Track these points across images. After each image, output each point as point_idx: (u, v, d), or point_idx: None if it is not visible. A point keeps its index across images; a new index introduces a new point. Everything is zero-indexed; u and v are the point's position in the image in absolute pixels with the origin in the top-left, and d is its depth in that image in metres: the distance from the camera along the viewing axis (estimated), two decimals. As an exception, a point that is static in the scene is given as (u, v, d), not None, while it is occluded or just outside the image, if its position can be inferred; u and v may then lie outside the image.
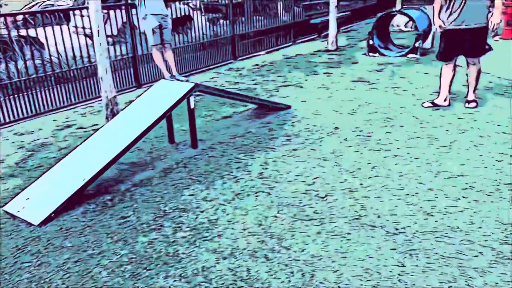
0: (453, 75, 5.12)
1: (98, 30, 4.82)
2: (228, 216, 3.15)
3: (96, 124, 5.18)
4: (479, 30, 4.78)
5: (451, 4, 4.79)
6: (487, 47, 4.89)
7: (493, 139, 4.21)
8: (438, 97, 5.25)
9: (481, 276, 2.43)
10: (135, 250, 2.81)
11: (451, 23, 4.84)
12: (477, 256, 2.59)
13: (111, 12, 7.18)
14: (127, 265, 2.67)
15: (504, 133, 4.34)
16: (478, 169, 3.64)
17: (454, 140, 4.21)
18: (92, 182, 3.46)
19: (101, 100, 5.36)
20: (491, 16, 4.82)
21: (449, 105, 5.19)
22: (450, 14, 4.82)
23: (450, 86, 5.16)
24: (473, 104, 5.09)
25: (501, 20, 4.79)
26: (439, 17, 4.95)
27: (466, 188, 3.34)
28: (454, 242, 2.73)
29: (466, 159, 3.82)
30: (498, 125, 4.53)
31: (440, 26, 4.94)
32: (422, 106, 5.24)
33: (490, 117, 4.77)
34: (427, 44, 8.23)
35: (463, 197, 3.23)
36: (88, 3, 4.99)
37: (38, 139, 4.96)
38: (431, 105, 5.23)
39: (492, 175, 3.52)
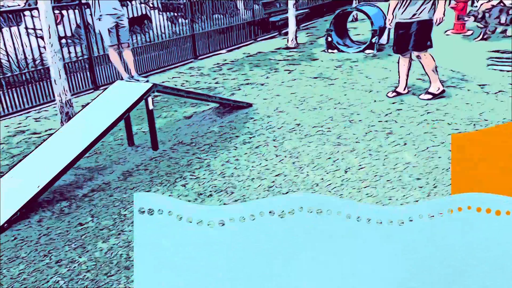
0: (409, 66, 5.41)
1: (49, 31, 4.65)
2: (190, 217, 3.12)
3: (51, 129, 5.00)
4: (422, 23, 5.00)
5: (405, 2, 4.99)
6: (428, 43, 5.11)
7: (445, 130, 4.38)
8: (398, 86, 5.54)
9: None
10: (94, 256, 2.73)
11: (399, 17, 5.14)
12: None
13: (65, 12, 6.94)
14: (87, 272, 2.60)
15: (457, 123, 4.52)
16: (432, 159, 3.78)
17: (409, 132, 4.35)
18: (47, 188, 3.33)
19: (55, 103, 5.17)
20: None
21: (407, 93, 5.50)
22: (404, 10, 5.03)
23: (407, 75, 5.45)
24: (427, 96, 5.28)
25: (444, 15, 5.01)
26: (392, 14, 5.18)
27: (421, 178, 3.46)
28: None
29: (421, 150, 3.95)
30: (451, 117, 4.72)
31: (390, 22, 5.29)
32: (387, 96, 5.49)
33: (443, 109, 4.95)
34: (383, 39, 8.45)
35: (419, 187, 3.34)
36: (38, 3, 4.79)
37: (-11, 147, 4.73)
38: (395, 94, 5.49)
39: (445, 165, 3.66)
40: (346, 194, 3.29)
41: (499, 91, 5.47)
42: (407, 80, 5.47)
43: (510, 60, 6.90)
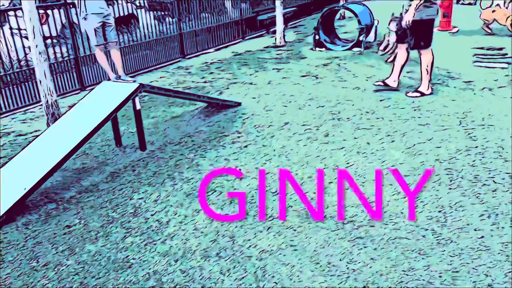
0: (406, 60, 5.45)
1: (33, 31, 4.58)
2: (179, 217, 3.11)
3: (37, 130, 4.94)
4: (416, 23, 5.02)
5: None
6: (422, 43, 5.14)
7: (432, 127, 4.43)
8: (389, 77, 5.58)
9: (423, 258, 2.56)
10: (82, 259, 2.71)
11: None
12: (419, 239, 2.72)
13: (50, 12, 6.85)
14: (74, 275, 2.57)
15: (444, 120, 4.57)
16: (419, 156, 3.82)
17: (396, 130, 4.39)
18: (34, 191, 3.29)
19: (41, 104, 5.11)
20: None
21: (397, 88, 5.54)
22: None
23: (400, 70, 5.48)
24: (415, 94, 5.33)
25: (412, 16, 4.99)
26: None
27: (408, 175, 3.49)
28: (399, 227, 2.85)
29: (408, 147, 3.99)
30: (438, 113, 4.77)
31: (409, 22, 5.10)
32: (374, 84, 5.55)
33: (429, 106, 5.00)
34: (371, 37, 8.50)
35: (407, 183, 3.37)
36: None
37: (-26, 149, 4.66)
38: (381, 84, 5.54)
39: (431, 162, 3.70)
40: (334, 192, 3.31)
41: (484, 88, 5.54)
42: (399, 74, 5.50)
43: (495, 57, 6.99)
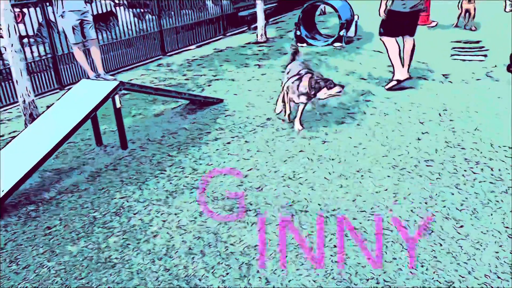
0: (399, 49, 5.43)
1: (8, 30, 4.47)
2: (162, 215, 3.09)
3: (15, 131, 4.83)
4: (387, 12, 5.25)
5: None
6: (381, 30, 5.39)
7: (412, 120, 4.49)
8: (393, 74, 5.54)
9: (405, 248, 2.59)
10: (63, 260, 2.67)
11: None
12: (400, 230, 2.76)
13: (27, 10, 6.70)
14: (56, 277, 2.53)
15: (424, 113, 4.64)
16: (400, 148, 3.86)
17: (377, 123, 4.43)
18: (12, 192, 3.23)
19: (19, 105, 5.00)
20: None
21: (409, 78, 5.44)
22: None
23: (400, 60, 5.39)
24: (391, 84, 5.42)
25: (383, 8, 5.20)
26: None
27: (389, 168, 3.53)
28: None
29: (391, 140, 4.03)
30: (417, 106, 4.83)
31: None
32: (386, 88, 5.45)
33: (408, 99, 5.07)
34: (351, 32, 8.55)
35: (388, 176, 3.41)
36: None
37: (-51, 152, 4.53)
38: (393, 84, 5.43)
39: (412, 154, 3.75)
40: (317, 186, 3.33)
41: (462, 80, 5.63)
42: (403, 64, 5.45)
43: (473, 50, 7.12)
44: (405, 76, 5.40)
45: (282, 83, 4.53)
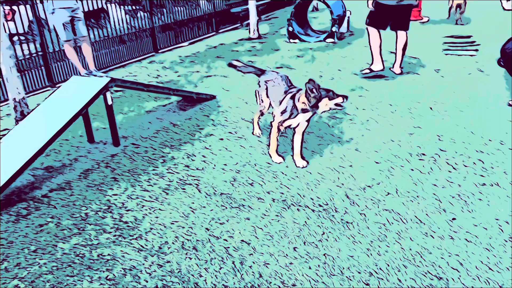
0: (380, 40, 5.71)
1: (-3, 27, 4.44)
2: (155, 212, 3.08)
3: (5, 129, 4.78)
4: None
5: None
6: (367, 20, 5.65)
7: (404, 114, 4.50)
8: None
9: (398, 241, 2.61)
10: (55, 257, 2.65)
11: None
12: (392, 223, 2.77)
13: (17, 8, 6.63)
14: (48, 274, 2.52)
15: (416, 107, 4.65)
16: (390, 143, 3.88)
17: (369, 118, 4.45)
18: (3, 191, 3.20)
19: (9, 103, 4.96)
20: None
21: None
22: None
23: (380, 51, 5.69)
24: (365, 71, 5.72)
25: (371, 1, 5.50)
26: None
27: (380, 162, 3.55)
28: (375, 212, 2.89)
29: (382, 135, 4.04)
30: (409, 101, 4.85)
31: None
32: (361, 72, 5.79)
33: (400, 94, 5.08)
34: (344, 28, 8.56)
35: (380, 170, 3.42)
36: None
37: None
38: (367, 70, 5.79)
39: (404, 147, 3.76)
40: (311, 179, 3.33)
41: (453, 75, 5.66)
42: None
43: (464, 45, 7.15)
44: (379, 68, 5.73)
45: (259, 102, 3.97)
